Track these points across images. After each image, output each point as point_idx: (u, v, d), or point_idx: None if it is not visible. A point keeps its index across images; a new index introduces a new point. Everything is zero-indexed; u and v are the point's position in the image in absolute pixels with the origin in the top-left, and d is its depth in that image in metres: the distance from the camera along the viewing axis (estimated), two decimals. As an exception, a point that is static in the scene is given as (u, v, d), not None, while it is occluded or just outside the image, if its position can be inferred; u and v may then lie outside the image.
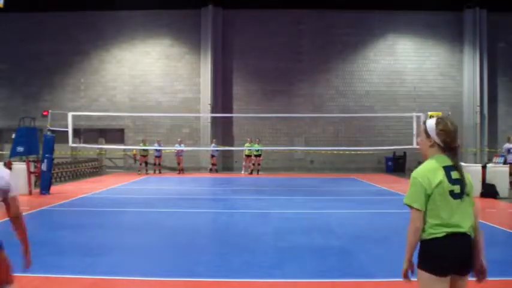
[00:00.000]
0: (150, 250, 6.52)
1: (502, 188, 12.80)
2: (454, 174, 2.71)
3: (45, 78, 23.70)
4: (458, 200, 2.69)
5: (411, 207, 2.70)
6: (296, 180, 18.30)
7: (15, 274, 4.90)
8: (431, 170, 2.71)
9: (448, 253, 2.64)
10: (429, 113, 13.73)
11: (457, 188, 2.69)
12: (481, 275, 2.77)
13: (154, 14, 23.51)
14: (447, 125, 2.78)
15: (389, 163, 22.86)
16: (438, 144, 2.77)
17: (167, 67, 23.78)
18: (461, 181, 2.71)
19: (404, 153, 22.51)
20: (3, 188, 2.99)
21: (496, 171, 13.13)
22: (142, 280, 5.06)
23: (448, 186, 2.67)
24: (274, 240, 7.19)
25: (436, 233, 2.66)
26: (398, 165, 22.70)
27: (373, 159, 23.09)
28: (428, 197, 2.67)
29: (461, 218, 2.68)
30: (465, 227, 2.67)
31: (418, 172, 2.75)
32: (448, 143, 2.76)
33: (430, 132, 2.80)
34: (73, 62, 23.83)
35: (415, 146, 14.35)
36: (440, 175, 2.68)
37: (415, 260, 2.76)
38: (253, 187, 15.78)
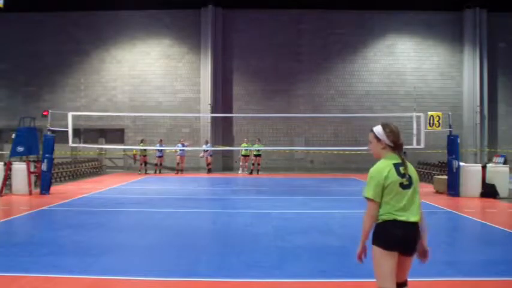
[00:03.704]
0: (150, 250, 6.51)
1: (502, 188, 12.80)
2: (402, 169, 3.24)
3: (45, 78, 23.70)
4: (407, 190, 3.21)
5: (368, 199, 3.21)
6: (296, 180, 18.30)
7: (15, 274, 4.90)
8: (385, 168, 3.25)
9: (394, 234, 3.15)
10: (429, 113, 13.80)
11: (405, 180, 3.21)
12: (423, 257, 3.32)
13: (154, 14, 23.52)
14: (392, 127, 3.35)
15: (389, 163, 22.81)
16: (388, 145, 3.32)
17: (167, 67, 23.78)
18: (407, 175, 3.24)
19: (404, 153, 22.33)
20: None
21: (496, 171, 13.11)
22: (142, 280, 5.06)
23: (397, 179, 3.19)
24: (274, 240, 7.19)
25: (387, 218, 3.18)
26: (398, 165, 22.66)
27: (373, 159, 22.67)
28: (383, 189, 3.19)
29: (409, 205, 3.19)
30: (411, 214, 3.18)
31: (374, 170, 3.27)
32: (395, 141, 3.30)
33: (380, 136, 3.35)
34: (73, 62, 23.84)
35: (415, 146, 14.36)
36: (392, 171, 3.22)
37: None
38: (253, 187, 15.78)
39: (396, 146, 3.32)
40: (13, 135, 13.33)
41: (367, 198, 3.23)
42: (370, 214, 3.21)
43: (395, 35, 23.81)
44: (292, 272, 5.33)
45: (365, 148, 20.86)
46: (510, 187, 13.22)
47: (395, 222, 3.16)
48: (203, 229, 8.56)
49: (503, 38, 23.62)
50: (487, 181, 12.94)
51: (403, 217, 3.15)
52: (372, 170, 3.30)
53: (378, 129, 3.37)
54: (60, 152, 20.51)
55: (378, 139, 3.37)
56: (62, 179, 17.42)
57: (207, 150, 21.05)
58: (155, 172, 21.45)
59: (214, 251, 6.63)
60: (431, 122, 13.47)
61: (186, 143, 21.32)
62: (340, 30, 23.63)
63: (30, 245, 6.60)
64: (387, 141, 3.33)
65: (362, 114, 22.08)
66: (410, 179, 3.25)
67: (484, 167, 13.28)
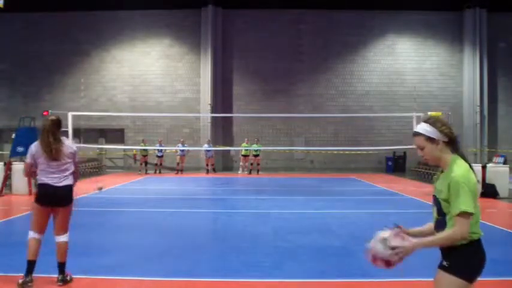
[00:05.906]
0: (150, 250, 6.51)
1: (502, 188, 12.79)
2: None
3: (45, 78, 23.70)
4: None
5: (470, 214, 2.42)
6: (296, 180, 18.29)
7: (15, 274, 4.90)
8: (470, 170, 2.52)
9: (482, 258, 2.50)
10: (429, 113, 13.80)
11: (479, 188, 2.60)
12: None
13: (154, 14, 23.52)
14: (440, 119, 2.68)
15: (390, 163, 22.87)
16: (446, 142, 2.59)
17: (167, 67, 23.79)
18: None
19: (404, 153, 22.53)
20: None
21: (496, 171, 13.11)
22: (143, 280, 5.06)
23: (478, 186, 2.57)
24: (274, 240, 7.19)
25: (476, 237, 2.49)
26: (398, 165, 22.72)
27: (373, 159, 23.08)
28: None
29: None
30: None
31: (465, 174, 2.48)
32: (451, 134, 2.60)
33: (433, 136, 2.59)
34: (73, 62, 23.84)
35: (415, 146, 14.35)
36: (474, 174, 2.54)
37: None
38: (253, 187, 15.77)
39: (452, 139, 2.59)
40: (13, 135, 13.34)
41: (468, 214, 2.40)
42: (464, 234, 2.41)
43: (395, 35, 23.81)
44: (292, 272, 5.33)
45: (365, 148, 20.93)
46: (510, 187, 13.22)
47: (480, 241, 2.48)
48: (203, 229, 8.56)
49: (503, 38, 23.61)
50: (487, 181, 12.93)
51: (481, 232, 2.50)
52: (460, 174, 2.47)
53: (427, 128, 2.61)
54: (60, 152, 20.46)
55: (432, 140, 2.59)
56: (62, 179, 17.36)
57: (210, 151, 21.04)
58: (155, 172, 21.45)
59: (214, 251, 6.63)
60: (431, 122, 13.45)
61: (186, 144, 21.30)
62: (340, 30, 23.64)
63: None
64: (444, 138, 2.58)
65: (362, 114, 22.12)
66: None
67: (484, 167, 13.28)
